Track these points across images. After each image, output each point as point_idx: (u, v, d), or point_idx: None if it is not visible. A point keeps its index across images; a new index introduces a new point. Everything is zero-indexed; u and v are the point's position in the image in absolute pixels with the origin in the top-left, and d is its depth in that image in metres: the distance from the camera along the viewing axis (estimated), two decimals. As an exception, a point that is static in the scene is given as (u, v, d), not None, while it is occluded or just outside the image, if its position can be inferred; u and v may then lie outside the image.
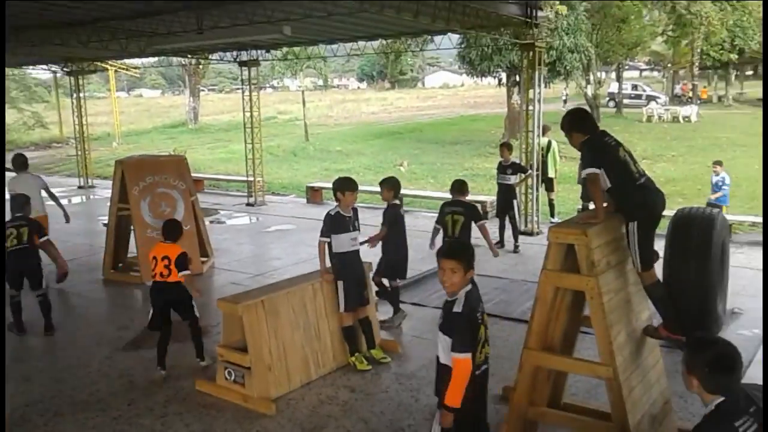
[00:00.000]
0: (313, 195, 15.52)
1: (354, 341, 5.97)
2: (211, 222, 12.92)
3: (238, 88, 16.62)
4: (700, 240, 6.27)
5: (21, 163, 8.89)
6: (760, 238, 11.17)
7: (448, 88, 70.73)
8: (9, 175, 9.36)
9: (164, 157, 11.82)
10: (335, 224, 5.86)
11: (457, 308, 3.46)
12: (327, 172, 21.16)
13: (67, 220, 9.03)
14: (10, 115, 39.12)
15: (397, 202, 7.10)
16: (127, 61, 25.58)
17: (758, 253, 9.94)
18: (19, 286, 6.91)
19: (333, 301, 5.96)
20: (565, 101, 39.16)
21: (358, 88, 78.09)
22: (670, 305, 4.42)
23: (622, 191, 4.21)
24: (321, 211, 14.72)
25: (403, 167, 22.04)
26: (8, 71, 28.41)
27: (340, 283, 5.88)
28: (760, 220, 11.54)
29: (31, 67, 26.08)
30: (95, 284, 8.96)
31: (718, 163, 11.52)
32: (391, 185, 6.99)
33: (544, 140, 11.76)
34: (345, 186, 5.93)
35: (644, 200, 4.25)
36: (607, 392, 4.05)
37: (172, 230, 6.05)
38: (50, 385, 5.69)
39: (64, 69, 19.34)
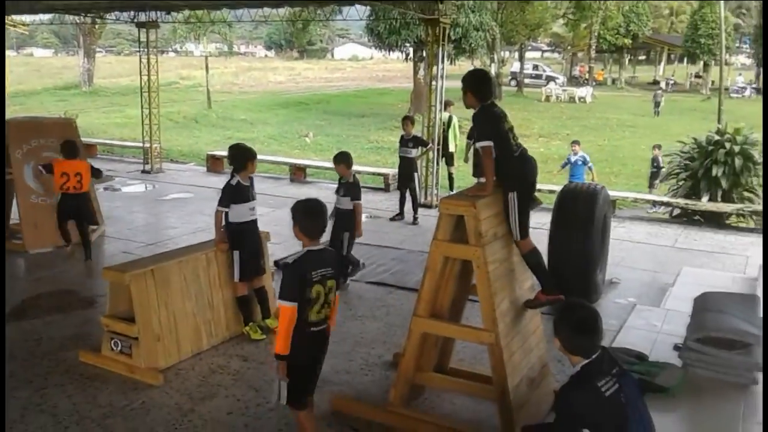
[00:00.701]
0: (214, 163, 15.14)
1: (248, 311, 5.91)
2: (105, 189, 12.37)
3: (137, 51, 15.86)
4: (583, 213, 6.66)
5: None
6: (641, 213, 11.95)
7: (357, 60, 70.40)
8: None
9: (51, 120, 11.14)
10: (236, 194, 5.77)
11: (289, 260, 3.64)
12: (229, 140, 20.59)
13: None
14: None
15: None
16: (15, 17, 23.76)
17: (639, 227, 10.63)
18: None
19: (227, 271, 5.87)
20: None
21: (266, 56, 76.33)
22: (546, 271, 4.64)
23: (504, 163, 4.31)
24: (221, 180, 14.35)
25: (309, 138, 21.88)
26: None
27: (236, 253, 5.79)
28: (642, 196, 12.33)
29: None
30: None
31: (576, 142, 12.24)
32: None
33: (445, 115, 11.97)
34: (250, 155, 5.89)
35: (522, 171, 4.39)
36: (489, 357, 4.23)
37: (72, 148, 7.49)
38: None
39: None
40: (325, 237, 5.40)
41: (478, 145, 4.34)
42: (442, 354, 4.90)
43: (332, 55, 77.63)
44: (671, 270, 8.08)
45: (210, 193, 12.39)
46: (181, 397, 4.75)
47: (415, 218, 10.36)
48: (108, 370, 5.09)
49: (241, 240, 5.80)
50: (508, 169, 4.32)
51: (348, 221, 7.06)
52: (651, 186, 13.18)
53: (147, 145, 14.85)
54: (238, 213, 5.77)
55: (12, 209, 8.93)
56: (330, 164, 15.12)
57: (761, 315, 5.31)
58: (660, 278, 7.89)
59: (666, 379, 4.73)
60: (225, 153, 15.24)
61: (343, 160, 7.11)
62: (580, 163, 11.78)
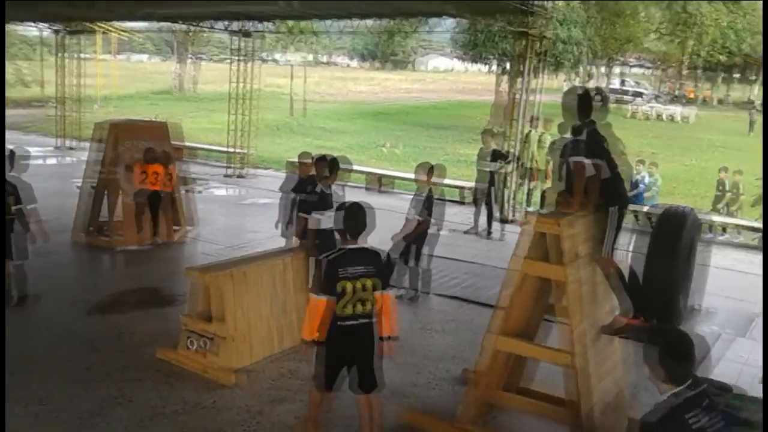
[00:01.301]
0: (293, 170, 15.42)
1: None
2: (188, 191, 12.78)
3: (227, 59, 16.60)
4: (669, 235, 6.36)
5: None
6: (731, 238, 11.35)
7: (439, 72, 70.38)
8: None
9: (145, 123, 11.65)
10: (319, 202, 5.88)
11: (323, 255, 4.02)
12: (309, 148, 20.93)
13: None
14: (-8, 71, 38.38)
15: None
16: (116, 23, 25.10)
17: (725, 252, 10.09)
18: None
19: (302, 277, 5.94)
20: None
21: (348, 66, 77.41)
22: (629, 292, 4.48)
23: (609, 180, 4.27)
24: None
25: (385, 148, 22.01)
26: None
27: (315, 260, 5.84)
28: (731, 221, 11.72)
29: (18, 23, 25.46)
30: (65, 246, 8.83)
31: (642, 162, 11.74)
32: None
33: (538, 132, 11.80)
34: (334, 165, 6.07)
35: (623, 188, 4.45)
36: (563, 379, 4.09)
37: (154, 153, 8.72)
38: (12, 343, 5.61)
39: (52, 28, 18.96)
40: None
41: (576, 160, 4.24)
42: (513, 372, 4.78)
43: (414, 66, 77.87)
44: (759, 299, 7.61)
45: (288, 199, 12.63)
46: (252, 398, 4.83)
47: (489, 232, 10.21)
48: (183, 367, 5.24)
49: (321, 247, 5.84)
50: (611, 186, 4.29)
51: (420, 234, 7.00)
52: (715, 210, 12.56)
53: (233, 150, 15.31)
54: (322, 220, 5.87)
55: (102, 207, 9.38)
56: (407, 174, 15.15)
57: None
58: (746, 307, 7.45)
59: (752, 414, 4.43)
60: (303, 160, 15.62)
61: (429, 169, 7.08)
62: (640, 182, 11.36)
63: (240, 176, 15.16)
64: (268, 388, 5.01)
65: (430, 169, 7.15)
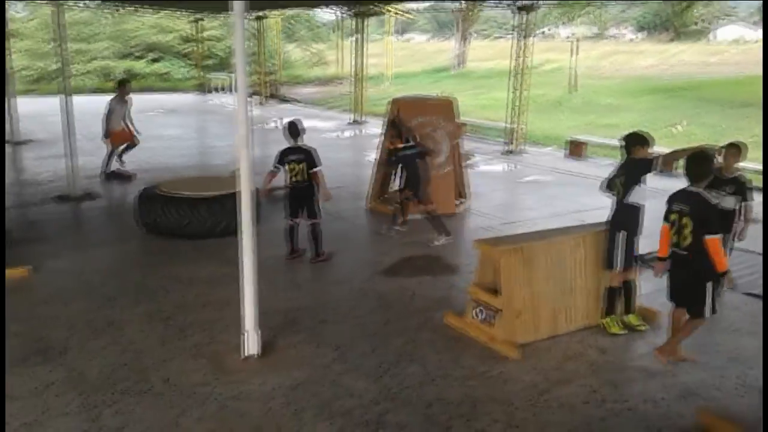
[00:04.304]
0: (575, 148, 14.92)
1: (613, 303, 5.65)
2: (466, 166, 13.07)
3: (503, 36, 16.67)
4: None
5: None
6: None
7: (742, 43, 62.34)
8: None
9: (434, 99, 12.15)
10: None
11: None
12: (590, 126, 20.20)
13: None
14: (297, 53, 43.31)
15: None
16: (402, 5, 26.60)
17: None
18: (295, 215, 7.19)
19: (594, 258, 5.68)
20: None
21: (634, 39, 72.37)
22: None
23: None
24: (581, 165, 14.15)
25: (679, 127, 20.19)
26: (299, 12, 30.89)
27: (622, 234, 5.49)
28: None
29: (320, 9, 28.31)
30: (360, 211, 9.65)
31: None
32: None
33: None
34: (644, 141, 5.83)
35: None
36: None
37: None
38: (318, 295, 6.33)
39: (351, 11, 20.74)
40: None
41: None
42: None
43: (713, 37, 70.02)
44: None
45: (569, 179, 12.29)
46: (537, 375, 4.78)
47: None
48: (469, 335, 5.38)
49: (633, 222, 5.52)
50: None
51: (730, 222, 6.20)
52: None
53: (511, 126, 15.31)
54: (640, 194, 5.57)
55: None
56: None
57: None
58: None
59: None
60: (587, 138, 15.01)
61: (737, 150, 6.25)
62: None
63: (518, 152, 15.09)
64: (554, 368, 4.91)
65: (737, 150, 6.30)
